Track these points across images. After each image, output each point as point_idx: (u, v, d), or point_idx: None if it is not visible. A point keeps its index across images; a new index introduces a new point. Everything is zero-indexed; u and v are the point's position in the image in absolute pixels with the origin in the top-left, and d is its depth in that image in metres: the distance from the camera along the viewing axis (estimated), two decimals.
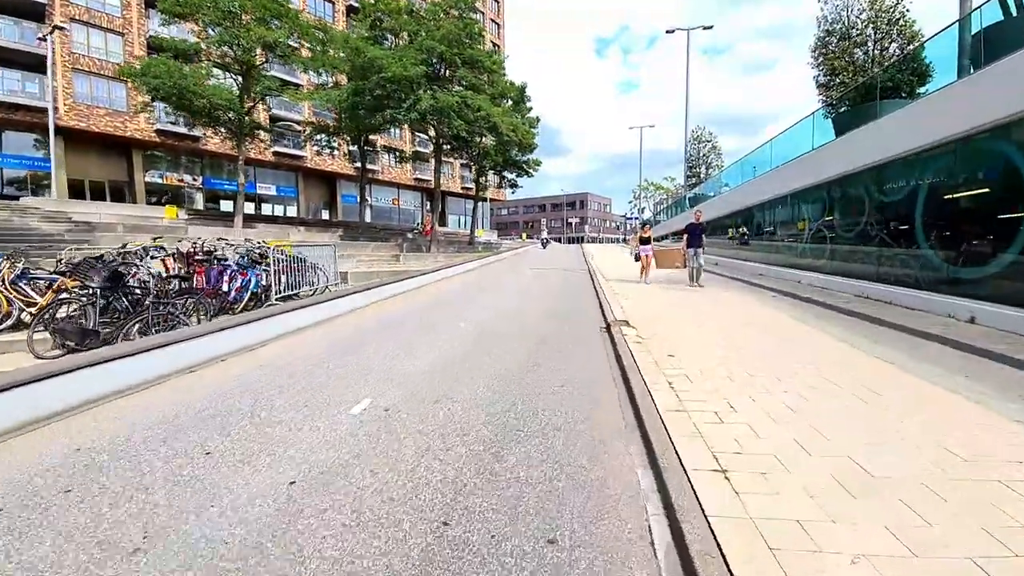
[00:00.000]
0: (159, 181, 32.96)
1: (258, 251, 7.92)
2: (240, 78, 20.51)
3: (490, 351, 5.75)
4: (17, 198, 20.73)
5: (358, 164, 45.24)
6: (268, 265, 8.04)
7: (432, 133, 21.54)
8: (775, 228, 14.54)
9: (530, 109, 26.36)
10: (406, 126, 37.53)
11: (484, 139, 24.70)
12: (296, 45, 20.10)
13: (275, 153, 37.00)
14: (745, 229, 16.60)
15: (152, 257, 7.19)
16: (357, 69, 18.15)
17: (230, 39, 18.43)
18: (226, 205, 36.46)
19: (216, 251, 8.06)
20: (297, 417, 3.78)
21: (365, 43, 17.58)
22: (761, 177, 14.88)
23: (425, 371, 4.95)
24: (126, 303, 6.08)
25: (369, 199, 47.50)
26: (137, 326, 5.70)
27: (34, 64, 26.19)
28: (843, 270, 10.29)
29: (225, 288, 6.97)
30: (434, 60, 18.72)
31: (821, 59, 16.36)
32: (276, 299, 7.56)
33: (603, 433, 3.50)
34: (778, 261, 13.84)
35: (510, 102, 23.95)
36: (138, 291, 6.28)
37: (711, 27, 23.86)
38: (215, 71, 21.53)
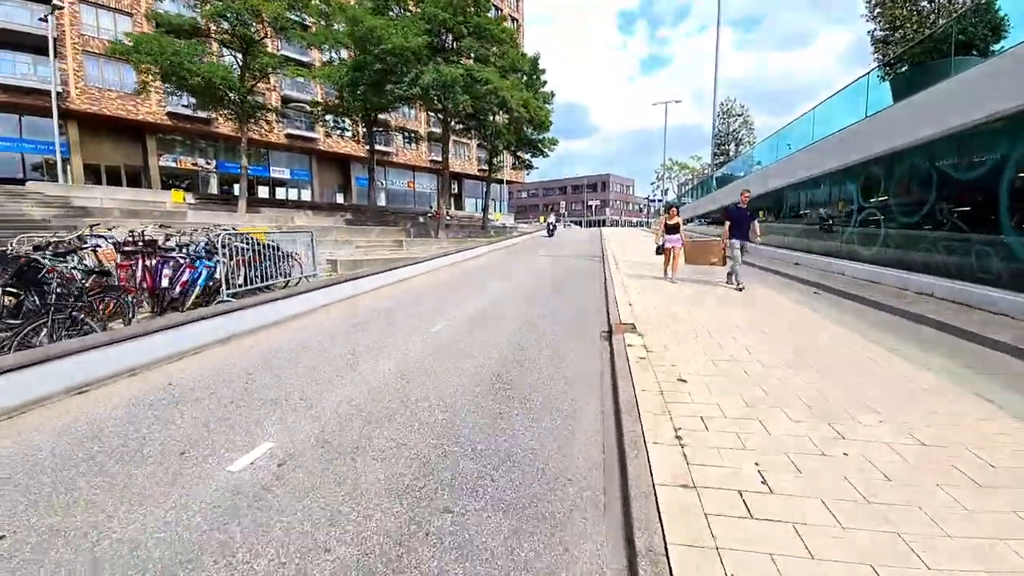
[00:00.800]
0: (173, 165, 32.82)
1: (218, 239, 6.95)
2: (240, 55, 19.61)
3: (438, 387, 4.62)
4: (23, 182, 20.61)
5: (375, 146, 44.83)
6: (227, 256, 7.07)
7: (440, 110, 20.22)
8: (816, 212, 12.81)
9: (544, 83, 24.61)
10: (420, 105, 36.39)
11: (496, 117, 23.26)
12: (297, 19, 19.00)
13: (288, 135, 36.43)
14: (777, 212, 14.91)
15: (89, 248, 6.28)
16: (358, 42, 16.93)
17: (225, 11, 17.45)
18: (240, 189, 36.31)
19: (167, 239, 7.13)
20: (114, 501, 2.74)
21: (364, 12, 16.30)
22: (804, 151, 13.10)
23: (331, 427, 3.83)
24: (40, 302, 5.19)
25: (383, 182, 46.74)
26: (43, 331, 4.79)
27: (45, 47, 25.95)
28: (899, 261, 8.69)
29: (166, 284, 6.05)
30: (438, 30, 17.32)
31: (878, 9, 13.88)
32: (229, 295, 6.59)
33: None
34: (817, 249, 12.19)
35: (523, 76, 22.31)
36: (58, 289, 5.37)
37: None
38: (217, 49, 20.72)
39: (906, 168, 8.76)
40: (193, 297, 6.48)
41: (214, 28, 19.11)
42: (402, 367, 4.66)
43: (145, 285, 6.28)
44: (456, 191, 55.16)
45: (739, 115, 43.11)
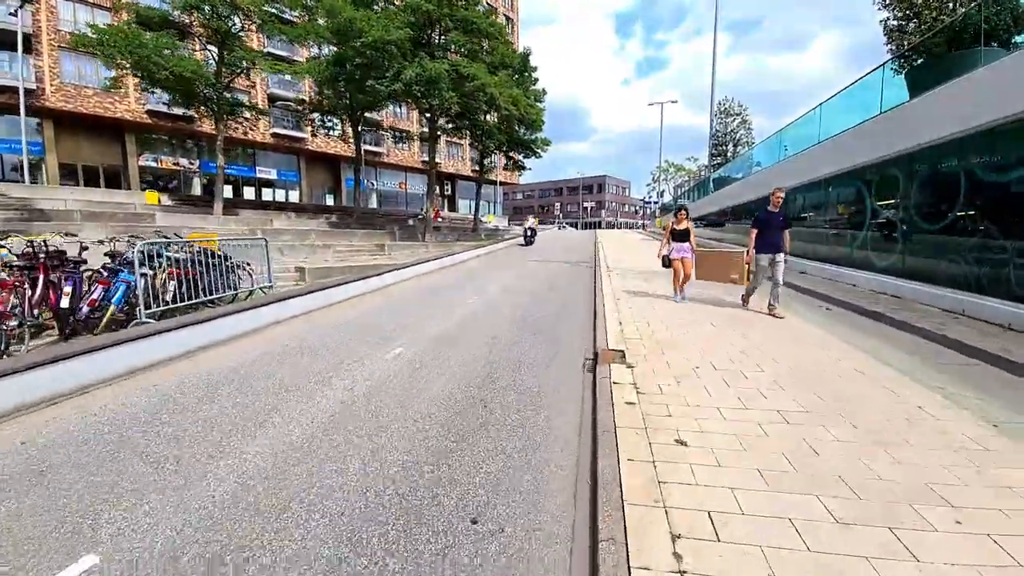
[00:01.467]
0: (154, 165, 31.77)
1: (147, 248, 5.96)
2: (216, 49, 18.62)
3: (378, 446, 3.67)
4: None
5: (362, 146, 43.83)
6: (157, 267, 6.10)
7: (426, 108, 19.28)
8: (824, 215, 11.93)
9: (535, 80, 23.69)
10: (410, 104, 35.45)
11: (487, 116, 22.34)
12: (276, 11, 18.03)
13: (274, 135, 35.48)
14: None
15: None
16: (337, 35, 15.98)
17: (201, 2, 16.47)
18: (226, 191, 35.28)
19: (84, 249, 6.14)
20: None
21: (343, 3, 15.34)
22: (808, 151, 12.24)
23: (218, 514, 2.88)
24: None
25: (374, 183, 45.77)
26: None
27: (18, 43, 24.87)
28: (922, 272, 7.79)
29: (66, 303, 5.07)
30: (423, 23, 16.39)
31: None
32: (151, 315, 5.61)
33: None
34: (824, 256, 11.31)
35: (513, 73, 21.37)
36: None
37: None
38: (195, 42, 19.73)
39: (929, 170, 7.88)
40: (108, 317, 5.50)
41: (189, 20, 18.13)
42: (312, 433, 3.71)
43: (49, 305, 5.30)
44: (450, 192, 54.26)
45: (737, 115, 41.64)
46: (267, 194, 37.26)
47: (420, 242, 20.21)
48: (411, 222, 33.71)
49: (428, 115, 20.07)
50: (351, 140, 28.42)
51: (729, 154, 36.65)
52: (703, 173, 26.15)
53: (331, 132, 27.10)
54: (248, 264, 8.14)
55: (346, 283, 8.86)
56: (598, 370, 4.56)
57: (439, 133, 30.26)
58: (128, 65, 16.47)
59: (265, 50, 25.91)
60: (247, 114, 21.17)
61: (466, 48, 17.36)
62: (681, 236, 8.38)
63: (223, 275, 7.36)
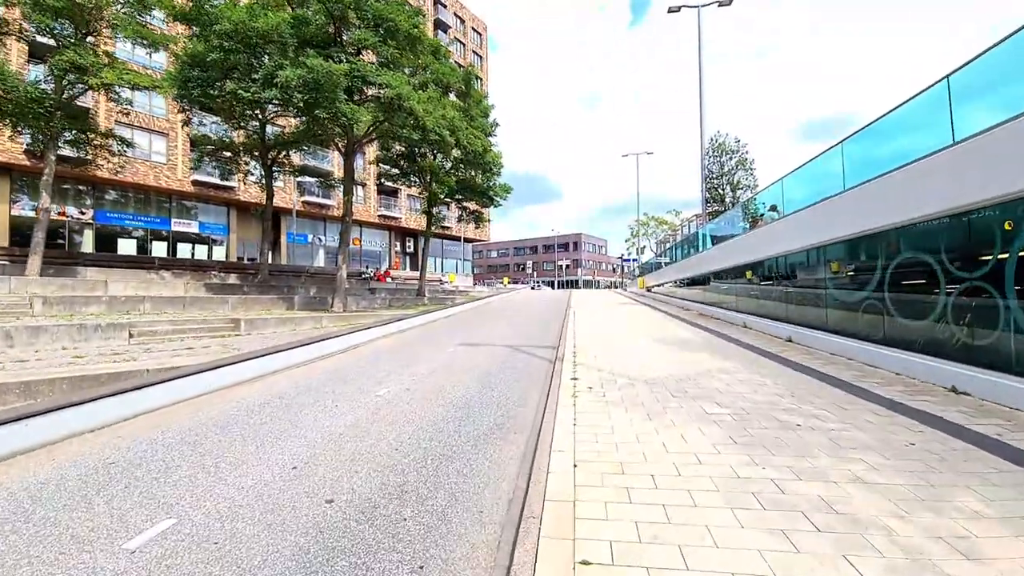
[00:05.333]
0: (31, 215, 26.14)
1: None
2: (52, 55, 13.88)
3: None
4: None
5: (307, 198, 39.18)
6: None
7: (337, 133, 14.60)
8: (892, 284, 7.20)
9: (488, 111, 19.49)
10: (366, 143, 31.36)
11: (427, 152, 17.84)
12: (134, 10, 13.58)
13: (196, 183, 30.60)
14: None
15: None
16: (186, 20, 11.50)
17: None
18: (125, 246, 29.61)
19: None
20: None
21: None
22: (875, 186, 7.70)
23: None
24: None
25: (322, 238, 40.75)
26: None
27: None
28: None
29: None
30: (312, 9, 12.07)
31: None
32: None
33: None
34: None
35: (454, 95, 17.20)
36: None
37: (729, 2, 17.65)
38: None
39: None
40: None
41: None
42: None
43: None
44: (412, 249, 49.60)
45: (734, 151, 35.66)
46: (183, 250, 31.71)
47: (328, 312, 14.76)
48: (345, 284, 28.50)
49: (344, 145, 15.38)
50: (299, 191, 23.75)
51: (728, 200, 32.70)
52: (689, 224, 22.02)
53: (228, 174, 22.37)
54: None
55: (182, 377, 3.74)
56: None
57: (382, 180, 25.97)
58: None
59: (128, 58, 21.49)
60: (104, 141, 16.17)
61: (381, 54, 13.05)
62: None
63: None
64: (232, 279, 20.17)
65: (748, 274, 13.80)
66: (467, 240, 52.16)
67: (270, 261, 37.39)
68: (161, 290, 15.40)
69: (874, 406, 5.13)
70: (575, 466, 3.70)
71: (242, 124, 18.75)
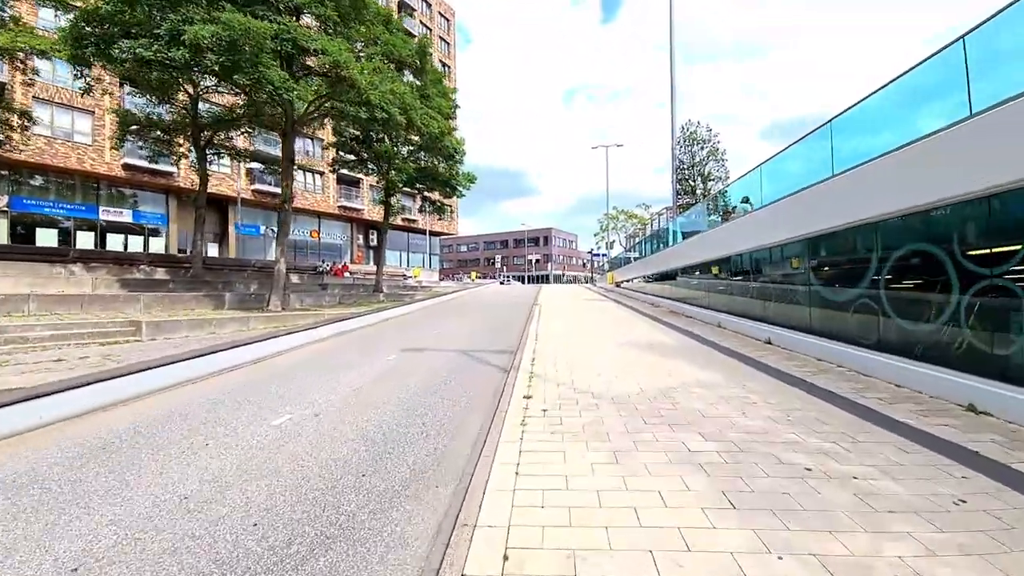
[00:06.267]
0: None
1: None
2: None
3: None
4: None
5: (258, 186, 36.44)
6: None
7: (270, 101, 12.77)
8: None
9: (449, 94, 17.86)
10: (321, 127, 29.31)
11: (388, 138, 16.23)
12: None
13: (128, 167, 27.77)
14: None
15: None
16: None
17: None
18: (46, 236, 26.52)
19: None
20: None
21: None
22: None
23: None
24: None
25: (275, 230, 38.11)
26: None
27: None
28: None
29: None
30: None
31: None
32: None
33: None
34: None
35: (407, 70, 15.53)
36: None
37: None
38: None
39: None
40: None
41: None
42: None
43: None
44: (375, 243, 47.34)
45: (705, 141, 33.73)
46: (114, 242, 28.85)
47: (265, 312, 13.06)
48: (298, 278, 26.52)
49: (283, 121, 13.56)
50: (192, 167, 21.46)
51: (699, 191, 31.59)
52: (660, 218, 21.23)
53: (156, 158, 20.21)
54: None
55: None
56: None
57: (337, 167, 23.99)
58: None
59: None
60: (11, 118, 13.88)
61: (323, 15, 11.31)
62: None
63: None
64: (160, 274, 18.02)
65: (715, 270, 12.98)
66: (434, 234, 50.37)
67: (217, 254, 34.83)
68: (63, 287, 13.31)
69: (894, 436, 4.12)
70: (505, 558, 2.47)
71: (167, 98, 16.58)
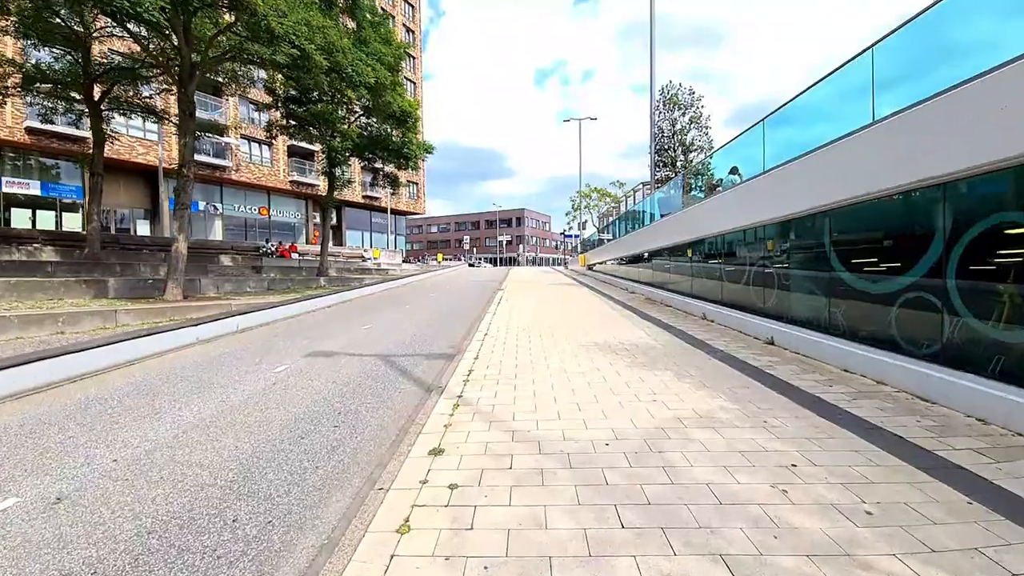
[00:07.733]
0: None
1: None
2: None
3: None
4: None
5: (197, 157, 32.69)
6: None
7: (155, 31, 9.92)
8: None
9: (387, 33, 14.87)
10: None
11: (329, 95, 13.57)
12: None
13: (31, 131, 24.00)
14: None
15: None
16: None
17: None
18: None
19: None
20: None
21: None
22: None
23: None
24: None
25: (218, 207, 34.42)
26: None
27: None
28: None
29: None
30: None
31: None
32: None
33: None
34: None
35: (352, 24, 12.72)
36: None
37: None
38: None
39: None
40: None
41: None
42: None
43: None
44: (335, 222, 44.01)
45: (687, 106, 29.76)
46: (19, 217, 25.19)
47: (147, 302, 10.52)
48: (239, 258, 23.62)
49: (177, 69, 10.71)
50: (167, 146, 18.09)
51: (678, 163, 28.49)
52: (638, 195, 19.25)
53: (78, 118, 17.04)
54: None
55: None
56: None
57: (276, 132, 20.79)
58: None
59: None
60: None
61: None
62: None
63: None
64: (48, 254, 15.02)
65: (698, 252, 11.18)
66: (399, 212, 47.32)
67: (149, 233, 31.17)
68: None
69: None
70: None
71: (43, 38, 13.42)
